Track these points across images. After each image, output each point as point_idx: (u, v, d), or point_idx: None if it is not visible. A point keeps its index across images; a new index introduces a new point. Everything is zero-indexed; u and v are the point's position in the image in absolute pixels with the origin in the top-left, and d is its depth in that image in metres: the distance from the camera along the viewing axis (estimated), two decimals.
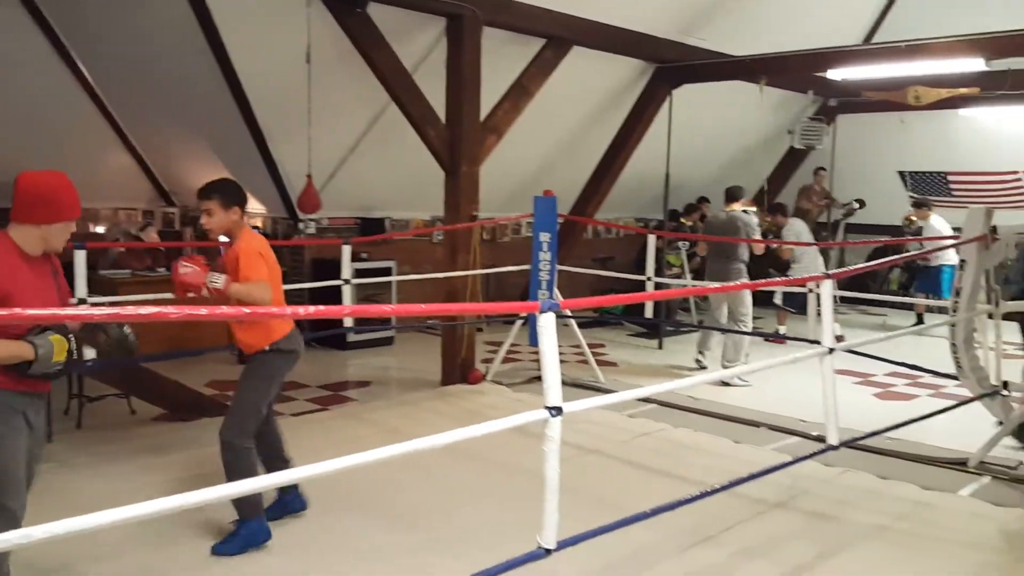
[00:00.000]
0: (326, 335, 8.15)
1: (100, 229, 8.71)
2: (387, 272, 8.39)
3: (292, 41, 6.36)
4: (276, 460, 3.91)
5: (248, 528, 3.63)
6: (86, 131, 8.12)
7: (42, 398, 2.97)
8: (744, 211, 7.52)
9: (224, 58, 6.64)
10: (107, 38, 7.22)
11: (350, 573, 3.62)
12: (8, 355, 2.68)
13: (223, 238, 3.89)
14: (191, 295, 3.50)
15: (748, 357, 7.16)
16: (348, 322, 7.01)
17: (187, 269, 3.52)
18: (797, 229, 8.92)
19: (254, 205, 8.64)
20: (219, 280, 3.48)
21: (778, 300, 9.00)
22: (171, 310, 2.60)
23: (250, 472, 3.51)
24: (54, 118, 7.70)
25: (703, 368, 7.53)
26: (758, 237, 7.56)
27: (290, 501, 4.01)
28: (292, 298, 8.15)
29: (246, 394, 3.69)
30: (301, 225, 8.32)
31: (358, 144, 7.93)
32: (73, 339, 2.84)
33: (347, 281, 6.15)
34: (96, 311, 2.68)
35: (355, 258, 7.15)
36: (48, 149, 7.75)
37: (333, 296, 6.45)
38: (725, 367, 7.09)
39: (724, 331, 7.31)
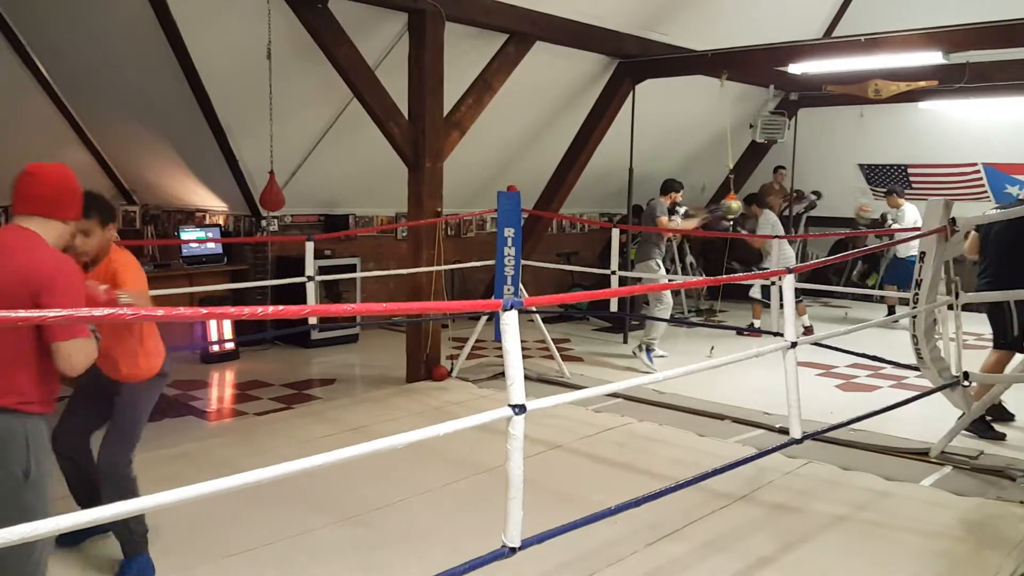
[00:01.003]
0: (290, 333, 8.07)
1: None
2: (351, 269, 8.32)
3: (252, 37, 6.27)
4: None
5: (138, 565, 3.39)
6: (43, 129, 7.91)
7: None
8: (676, 204, 7.98)
9: (184, 54, 6.52)
10: (65, 35, 7.05)
11: (306, 571, 3.58)
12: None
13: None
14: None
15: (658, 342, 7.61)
16: (312, 320, 6.93)
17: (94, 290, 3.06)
18: (772, 220, 9.00)
19: (215, 202, 8.52)
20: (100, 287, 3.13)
21: (755, 293, 9.08)
22: (127, 311, 2.55)
23: (136, 495, 3.26)
24: (9, 115, 7.50)
25: (659, 358, 7.66)
26: (662, 221, 7.77)
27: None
28: (255, 296, 8.12)
29: (128, 420, 3.44)
30: (264, 222, 8.21)
31: (321, 140, 7.85)
32: None
33: (311, 278, 6.08)
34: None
35: (319, 255, 7.09)
36: (3, 147, 7.57)
37: (297, 293, 6.38)
38: (637, 350, 7.59)
39: (666, 321, 7.59)
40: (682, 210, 8.27)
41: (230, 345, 7.72)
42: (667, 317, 7.60)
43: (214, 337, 7.63)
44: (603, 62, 8.97)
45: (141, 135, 8.05)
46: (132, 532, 3.35)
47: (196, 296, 7.37)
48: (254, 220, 8.28)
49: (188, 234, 8.20)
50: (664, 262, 7.92)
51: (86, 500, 3.50)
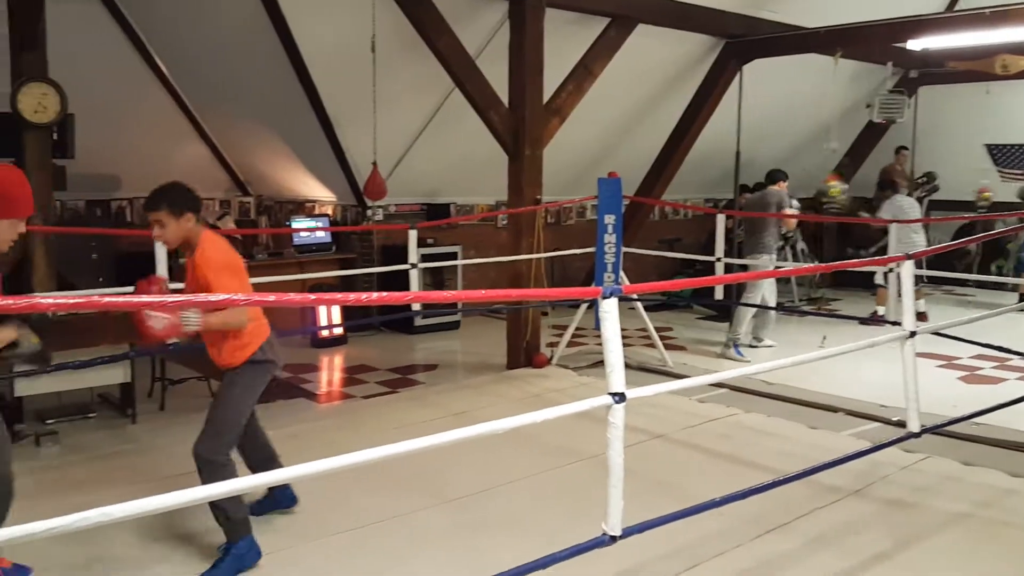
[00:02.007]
0: (394, 319, 8.25)
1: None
2: (453, 256, 8.44)
3: (358, 30, 6.42)
4: (269, 463, 3.74)
5: (237, 550, 3.40)
6: (163, 123, 8.38)
7: None
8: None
9: (293, 49, 6.76)
10: (181, 31, 7.42)
11: (408, 551, 3.65)
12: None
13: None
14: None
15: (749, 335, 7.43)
16: (416, 307, 7.07)
17: (158, 322, 3.13)
18: (898, 204, 8.58)
19: (324, 193, 8.79)
20: (193, 320, 3.18)
21: (880, 279, 8.70)
22: (240, 297, 2.67)
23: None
24: (132, 111, 7.96)
25: (767, 348, 7.45)
26: (791, 212, 7.39)
27: (279, 496, 3.87)
28: (361, 283, 8.35)
29: (223, 410, 3.48)
30: (369, 212, 8.42)
31: (423, 130, 7.97)
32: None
33: (414, 266, 6.20)
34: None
35: (422, 243, 7.21)
36: (127, 141, 8.05)
37: (401, 281, 6.52)
38: (727, 344, 7.43)
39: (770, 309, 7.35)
40: (795, 201, 7.98)
41: (339, 330, 7.98)
42: (755, 303, 7.36)
43: (324, 323, 7.90)
44: (708, 43, 8.74)
45: (254, 129, 8.39)
46: (228, 518, 3.37)
47: (306, 283, 7.63)
48: (360, 210, 8.50)
49: (299, 223, 8.50)
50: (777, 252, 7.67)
51: (257, 467, 3.68)
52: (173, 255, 5.01)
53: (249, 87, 7.73)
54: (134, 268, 5.56)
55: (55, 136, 5.06)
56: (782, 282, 9.54)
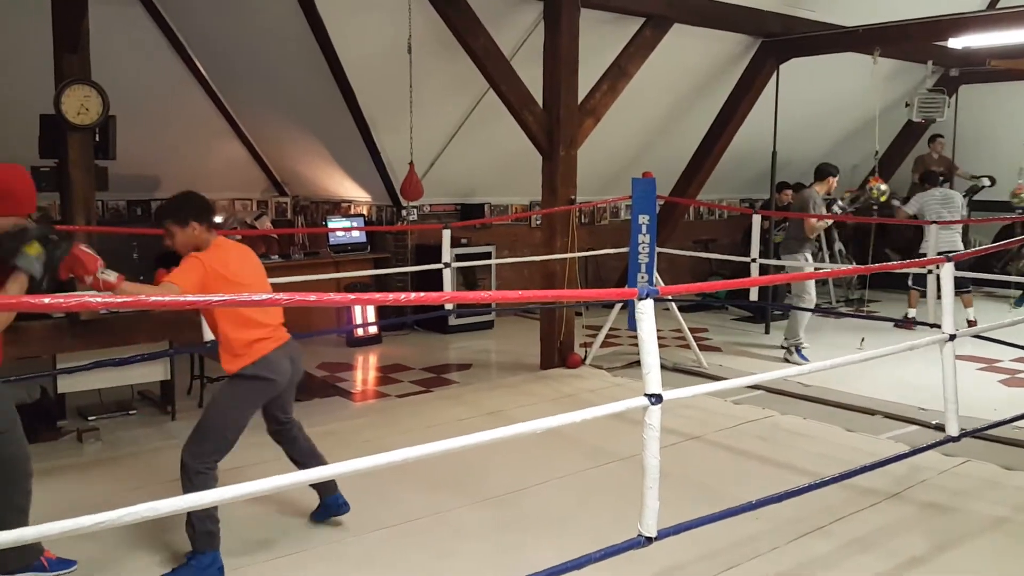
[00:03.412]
0: (428, 318, 8.30)
1: (218, 219, 9.12)
2: (487, 256, 8.46)
3: (394, 32, 6.46)
4: (313, 460, 3.74)
5: (199, 562, 3.34)
6: (201, 124, 8.51)
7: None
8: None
9: (329, 50, 6.83)
10: (220, 33, 7.53)
11: (448, 547, 3.68)
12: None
13: None
14: (83, 280, 3.17)
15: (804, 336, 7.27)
16: (449, 306, 7.10)
17: (88, 250, 3.19)
18: (922, 201, 8.43)
19: (359, 193, 8.87)
20: (112, 275, 3.18)
21: (910, 281, 8.56)
22: (282, 296, 2.71)
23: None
24: (172, 112, 8.10)
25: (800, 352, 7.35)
26: (811, 224, 7.26)
27: (331, 504, 3.88)
28: (396, 282, 8.41)
29: (208, 416, 3.46)
30: (404, 212, 8.47)
31: (458, 131, 8.01)
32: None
33: (447, 265, 6.23)
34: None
35: (456, 243, 7.25)
36: (166, 142, 8.19)
37: (435, 280, 6.55)
38: (783, 346, 7.34)
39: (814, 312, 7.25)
40: (842, 201, 7.85)
41: (373, 329, 8.04)
42: (810, 307, 7.28)
43: (359, 322, 7.97)
44: (744, 42, 8.67)
45: (291, 130, 8.49)
46: (195, 529, 3.32)
47: (342, 282, 7.71)
48: (395, 210, 8.56)
49: (335, 223, 8.58)
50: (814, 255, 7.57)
51: (299, 466, 3.70)
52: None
53: (286, 88, 7.83)
54: (174, 266, 5.66)
55: (97, 137, 5.14)
56: (819, 283, 9.42)
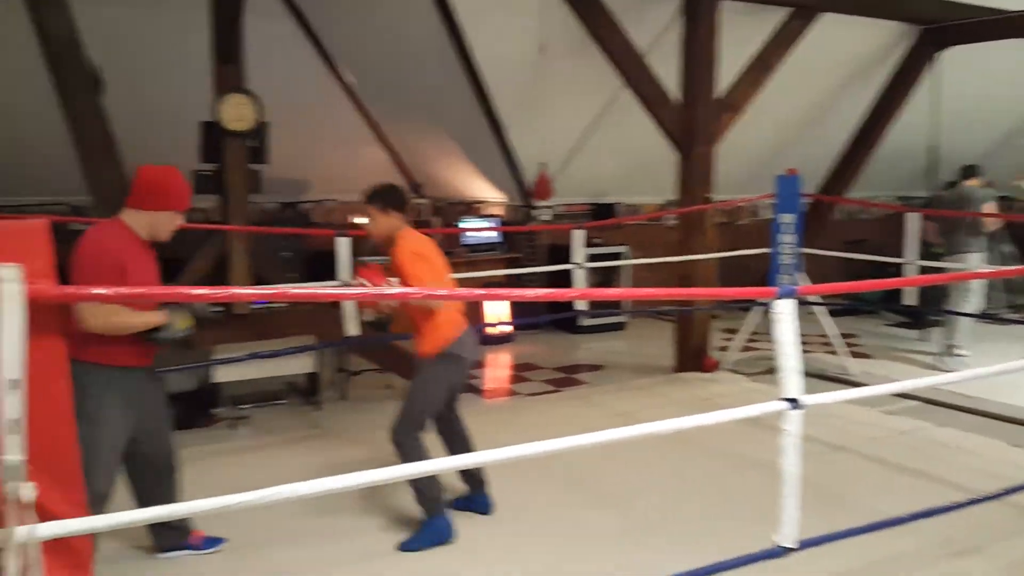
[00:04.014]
0: (560, 319, 8.29)
1: (362, 220, 9.49)
2: (619, 257, 8.37)
3: (527, 32, 6.51)
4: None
5: (432, 525, 3.66)
6: (348, 130, 8.86)
7: (142, 373, 3.22)
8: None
9: (464, 51, 6.96)
10: (362, 40, 7.82)
11: (569, 546, 3.66)
12: (143, 322, 3.03)
13: None
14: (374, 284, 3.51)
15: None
16: (581, 306, 7.07)
17: (374, 269, 3.61)
18: None
19: (493, 193, 8.98)
20: (395, 283, 3.53)
21: None
22: (415, 291, 2.80)
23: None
24: (320, 119, 8.48)
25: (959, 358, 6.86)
26: (988, 210, 6.77)
27: (477, 500, 3.99)
28: (528, 282, 8.45)
29: (410, 398, 3.73)
30: (536, 212, 8.52)
31: (590, 130, 7.96)
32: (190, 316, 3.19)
33: (578, 265, 6.20)
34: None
35: (588, 243, 7.19)
36: (315, 148, 8.59)
37: (567, 281, 6.53)
38: (944, 355, 6.99)
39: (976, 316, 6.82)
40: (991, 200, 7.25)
41: (506, 328, 8.13)
42: (975, 313, 6.77)
43: (491, 321, 8.07)
44: (899, 30, 8.16)
45: (428, 132, 8.71)
46: (423, 496, 3.64)
47: (476, 282, 7.83)
48: (527, 210, 8.62)
49: (468, 224, 8.73)
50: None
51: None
52: (356, 254, 5.30)
53: (424, 92, 8.03)
54: (322, 266, 5.93)
55: (252, 143, 5.46)
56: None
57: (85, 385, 2.78)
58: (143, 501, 3.39)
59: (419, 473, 2.65)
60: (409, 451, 3.60)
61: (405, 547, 3.64)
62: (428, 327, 3.67)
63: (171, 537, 3.54)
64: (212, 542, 3.64)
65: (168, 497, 3.42)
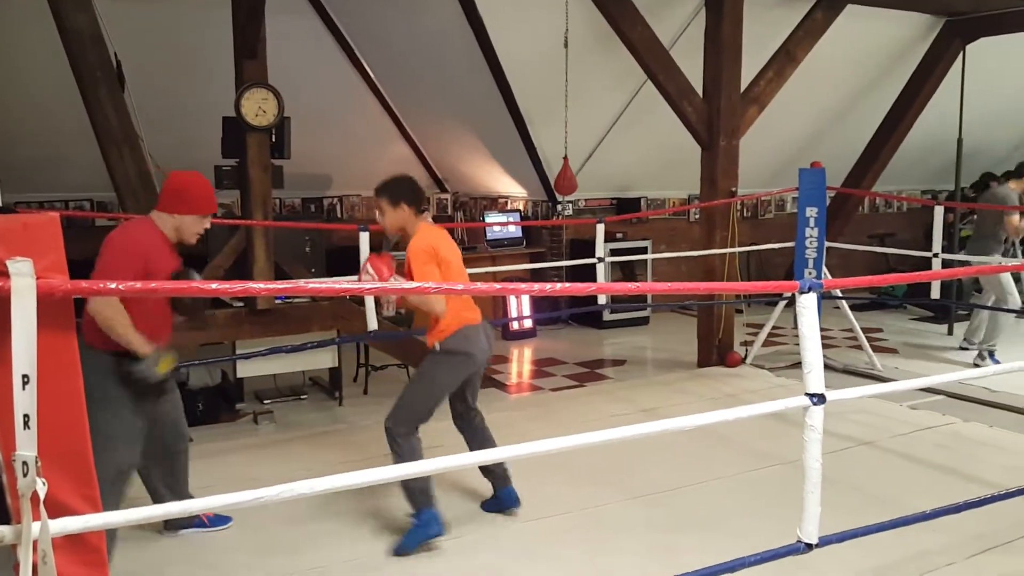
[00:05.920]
0: (583, 313, 8.27)
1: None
2: (643, 251, 8.32)
3: (551, 27, 6.48)
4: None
5: (421, 519, 3.56)
6: (370, 125, 8.88)
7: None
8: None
9: (489, 48, 6.95)
10: (387, 38, 7.84)
11: (600, 542, 3.64)
12: (129, 340, 3.05)
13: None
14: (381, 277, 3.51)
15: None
16: (603, 300, 7.04)
17: (385, 262, 3.59)
18: None
19: (516, 188, 8.97)
20: (402, 280, 3.46)
21: None
22: (431, 285, 2.79)
23: (413, 459, 3.37)
24: (343, 113, 8.51)
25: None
26: (1012, 222, 6.62)
27: (503, 496, 3.93)
28: (550, 277, 8.43)
29: (410, 387, 3.71)
30: (559, 206, 8.49)
31: (613, 125, 7.93)
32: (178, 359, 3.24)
33: (601, 259, 6.17)
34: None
35: (611, 238, 7.18)
36: (337, 143, 8.62)
37: (590, 275, 6.52)
38: (963, 347, 7.07)
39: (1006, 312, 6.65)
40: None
41: (528, 323, 8.12)
42: (1015, 310, 6.64)
43: (514, 315, 8.06)
44: (925, 22, 8.04)
45: (452, 128, 8.71)
46: (409, 488, 3.53)
47: (498, 276, 7.83)
48: (551, 205, 8.60)
49: (492, 219, 8.73)
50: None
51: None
52: (379, 247, 5.29)
53: (448, 87, 8.03)
54: (343, 260, 5.95)
55: (273, 138, 5.47)
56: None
57: (97, 370, 2.85)
58: (153, 483, 3.56)
59: (415, 474, 2.58)
60: (400, 443, 3.53)
61: (398, 551, 3.53)
62: (435, 322, 3.61)
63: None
64: (221, 520, 3.72)
65: (178, 478, 3.56)
